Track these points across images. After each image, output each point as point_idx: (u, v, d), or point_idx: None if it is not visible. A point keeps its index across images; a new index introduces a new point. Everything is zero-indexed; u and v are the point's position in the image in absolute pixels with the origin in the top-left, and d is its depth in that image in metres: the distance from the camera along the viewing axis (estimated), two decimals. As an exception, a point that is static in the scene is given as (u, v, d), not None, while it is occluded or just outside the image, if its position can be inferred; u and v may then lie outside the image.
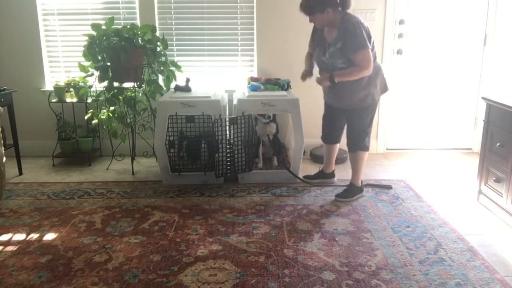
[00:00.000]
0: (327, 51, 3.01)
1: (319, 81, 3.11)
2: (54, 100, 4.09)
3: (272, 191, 3.42)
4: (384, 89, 3.19)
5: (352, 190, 3.30)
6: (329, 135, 3.43)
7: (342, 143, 3.44)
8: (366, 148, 3.23)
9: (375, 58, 3.01)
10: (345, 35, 2.88)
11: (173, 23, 4.24)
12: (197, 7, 4.19)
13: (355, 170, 3.29)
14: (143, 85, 3.84)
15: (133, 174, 3.87)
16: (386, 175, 3.81)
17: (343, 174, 3.77)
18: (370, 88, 3.05)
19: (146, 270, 2.34)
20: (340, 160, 4.08)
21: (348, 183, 3.37)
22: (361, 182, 3.34)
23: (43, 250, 2.56)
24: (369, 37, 2.91)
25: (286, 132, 4.19)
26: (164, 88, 3.95)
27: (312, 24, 3.12)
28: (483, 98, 3.19)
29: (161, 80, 3.98)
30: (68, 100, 4.06)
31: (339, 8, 2.93)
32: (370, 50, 2.89)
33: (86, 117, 3.95)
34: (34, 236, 2.73)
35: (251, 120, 3.48)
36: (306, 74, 3.31)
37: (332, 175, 3.60)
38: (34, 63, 4.25)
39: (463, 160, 4.28)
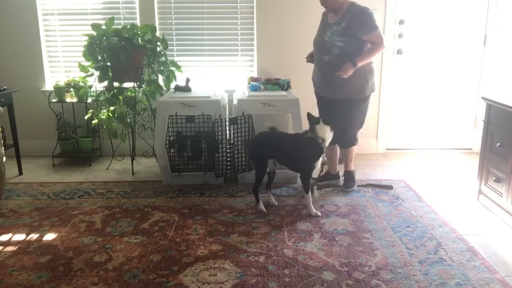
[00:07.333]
0: (328, 30, 3.12)
1: (345, 71, 2.99)
2: (54, 100, 4.09)
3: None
4: (372, 88, 3.24)
5: (351, 177, 3.45)
6: None
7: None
8: (357, 142, 3.37)
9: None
10: (353, 18, 3.02)
11: (173, 23, 4.24)
12: (197, 7, 4.19)
13: (350, 160, 3.43)
14: (143, 85, 3.84)
15: (133, 174, 3.87)
16: (386, 175, 3.81)
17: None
18: (366, 76, 3.13)
19: (146, 270, 2.34)
20: (339, 160, 4.08)
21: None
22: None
23: (43, 250, 2.56)
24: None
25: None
26: (164, 88, 3.95)
27: (317, 17, 3.26)
28: (483, 98, 3.19)
29: (161, 80, 3.98)
30: (68, 100, 4.07)
31: None
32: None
33: (86, 117, 3.96)
34: (34, 236, 2.73)
35: (251, 120, 3.48)
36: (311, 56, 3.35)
37: (337, 176, 3.56)
38: (34, 63, 4.24)
39: (463, 160, 4.28)
